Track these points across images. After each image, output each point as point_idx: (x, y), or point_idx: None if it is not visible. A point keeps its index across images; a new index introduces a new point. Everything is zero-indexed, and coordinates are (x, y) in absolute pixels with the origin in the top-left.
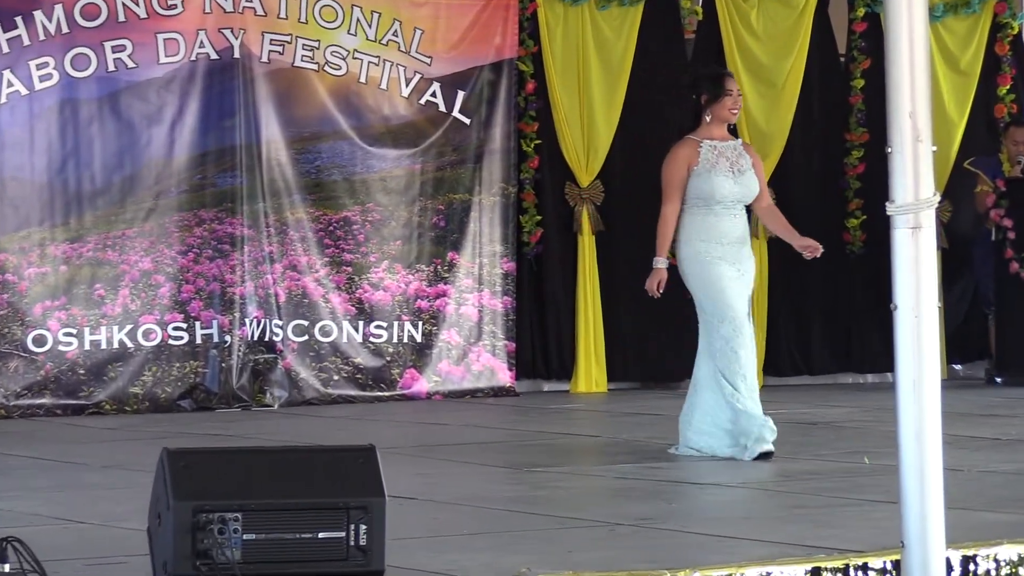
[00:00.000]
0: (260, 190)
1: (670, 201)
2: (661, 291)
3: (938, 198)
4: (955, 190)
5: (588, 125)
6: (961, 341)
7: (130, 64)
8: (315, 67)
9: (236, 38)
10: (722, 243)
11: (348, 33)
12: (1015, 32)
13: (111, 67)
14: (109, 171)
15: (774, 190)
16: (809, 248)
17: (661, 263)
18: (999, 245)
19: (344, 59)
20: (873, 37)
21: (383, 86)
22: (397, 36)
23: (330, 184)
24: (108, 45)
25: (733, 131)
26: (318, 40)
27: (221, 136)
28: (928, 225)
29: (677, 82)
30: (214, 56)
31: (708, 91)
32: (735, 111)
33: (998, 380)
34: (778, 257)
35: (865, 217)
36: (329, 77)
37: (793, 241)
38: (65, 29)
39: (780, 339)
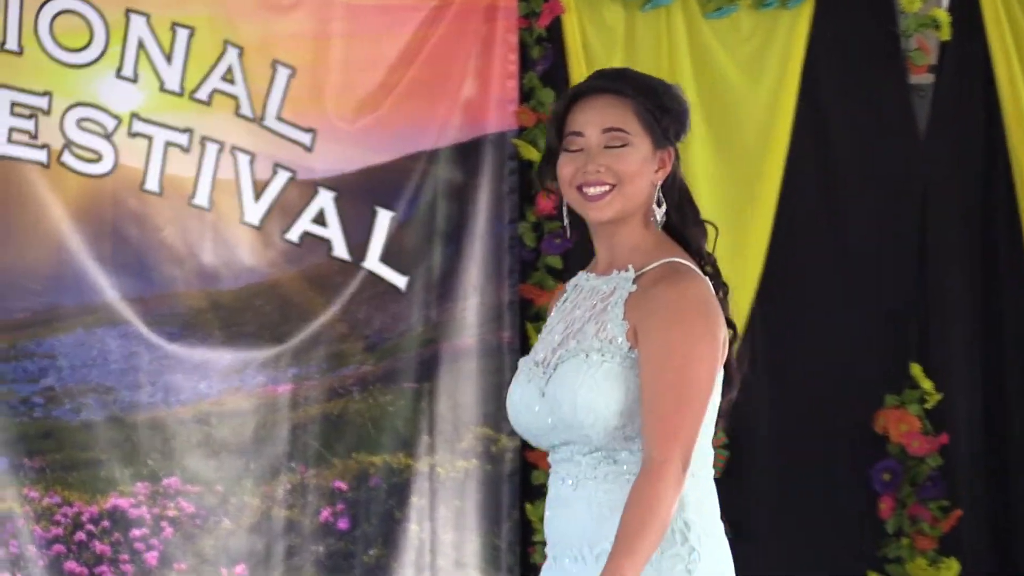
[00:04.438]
0: None
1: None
2: None
3: None
4: None
5: None
6: None
7: None
8: (40, 157)
9: None
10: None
11: (118, 76)
12: None
13: None
14: None
15: None
16: None
17: None
18: None
19: (108, 137)
20: None
21: (200, 201)
22: (234, 83)
23: (75, 432)
24: None
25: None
26: (48, 94)
27: None
28: None
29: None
30: None
31: (548, 147)
32: (592, 189)
33: None
34: None
35: None
36: (73, 180)
37: None
38: None
39: None
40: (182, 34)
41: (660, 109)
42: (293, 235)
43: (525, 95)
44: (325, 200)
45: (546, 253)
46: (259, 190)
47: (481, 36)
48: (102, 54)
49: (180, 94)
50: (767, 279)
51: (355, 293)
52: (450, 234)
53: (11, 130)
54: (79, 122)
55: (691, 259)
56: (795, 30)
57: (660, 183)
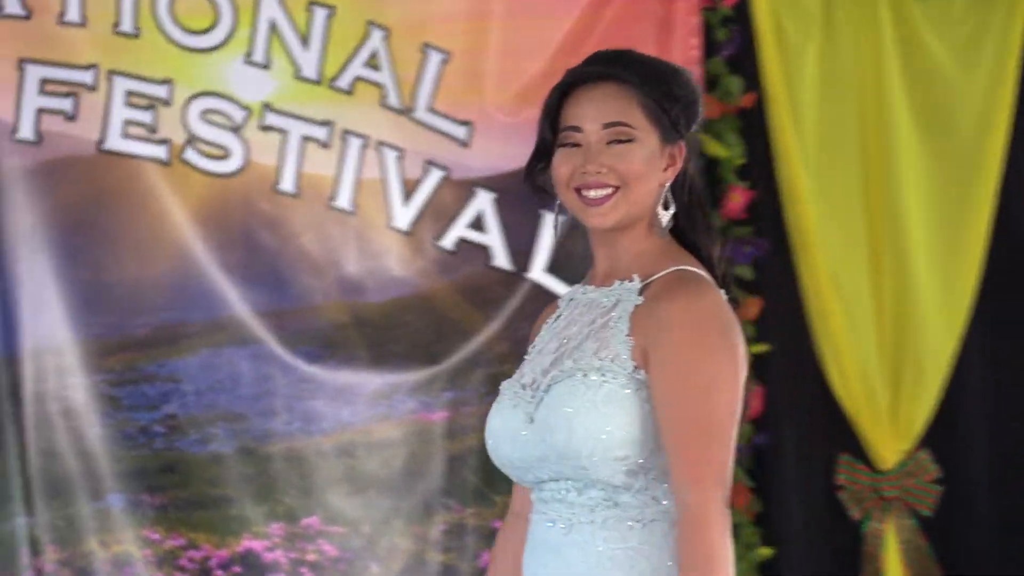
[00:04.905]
0: (24, 487)
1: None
2: None
3: None
4: None
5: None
6: None
7: None
8: (160, 153)
9: None
10: None
11: (247, 61)
12: None
13: None
14: None
15: None
16: None
17: None
18: None
19: (237, 130)
20: None
21: (341, 203)
22: (380, 69)
23: (201, 466)
24: None
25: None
26: (168, 82)
27: None
28: None
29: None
30: None
31: (539, 142)
32: (592, 192)
33: None
34: None
35: None
36: (197, 180)
37: None
38: None
39: None
40: (320, 14)
41: (669, 98)
42: (447, 242)
43: (709, 83)
44: (484, 202)
45: (736, 263)
46: (408, 191)
47: (658, 17)
48: (229, 37)
49: (318, 82)
50: (986, 287)
51: (518, 307)
52: None
53: (127, 123)
54: (204, 114)
55: (701, 267)
56: (1015, 10)
57: (669, 183)
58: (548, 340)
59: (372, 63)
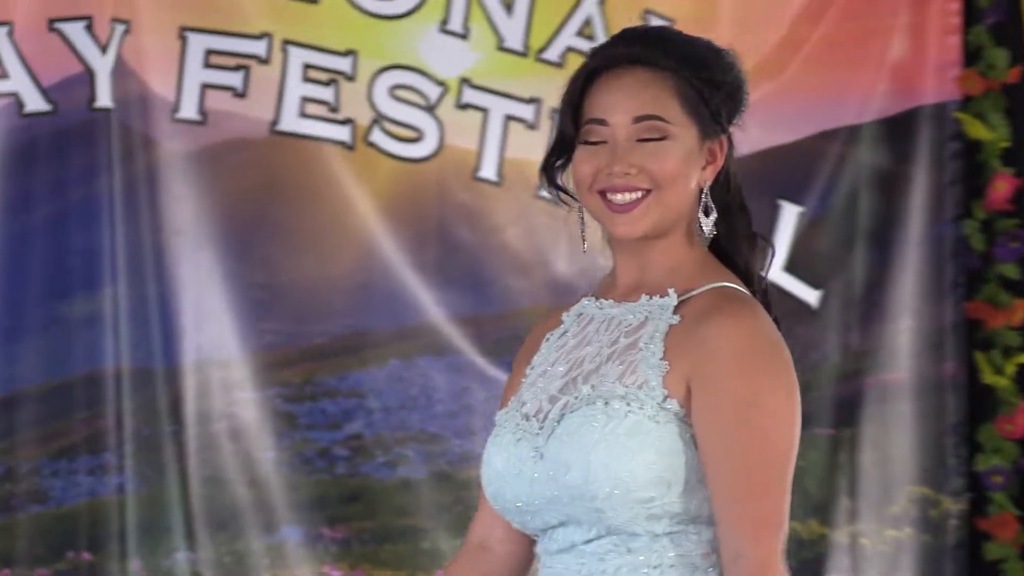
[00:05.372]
0: (185, 519)
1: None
2: None
3: None
4: None
5: None
6: None
7: None
8: (343, 135)
9: (106, 52)
10: None
11: (442, 30)
12: None
13: None
14: None
15: None
16: None
17: None
18: None
19: (431, 109)
20: None
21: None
22: (594, 39)
23: (390, 492)
24: None
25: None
26: (352, 54)
27: (66, 357)
28: None
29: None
30: (38, 106)
31: (558, 135)
32: (620, 196)
33: None
34: None
35: None
36: (385, 165)
37: None
38: None
39: None
40: None
41: (710, 85)
42: None
43: (970, 56)
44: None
45: (999, 260)
46: None
47: None
48: (422, 2)
49: (524, 54)
50: None
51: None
52: (875, 236)
53: (304, 100)
54: (392, 90)
55: (742, 284)
56: None
57: (709, 184)
58: (553, 361)
59: (585, 33)
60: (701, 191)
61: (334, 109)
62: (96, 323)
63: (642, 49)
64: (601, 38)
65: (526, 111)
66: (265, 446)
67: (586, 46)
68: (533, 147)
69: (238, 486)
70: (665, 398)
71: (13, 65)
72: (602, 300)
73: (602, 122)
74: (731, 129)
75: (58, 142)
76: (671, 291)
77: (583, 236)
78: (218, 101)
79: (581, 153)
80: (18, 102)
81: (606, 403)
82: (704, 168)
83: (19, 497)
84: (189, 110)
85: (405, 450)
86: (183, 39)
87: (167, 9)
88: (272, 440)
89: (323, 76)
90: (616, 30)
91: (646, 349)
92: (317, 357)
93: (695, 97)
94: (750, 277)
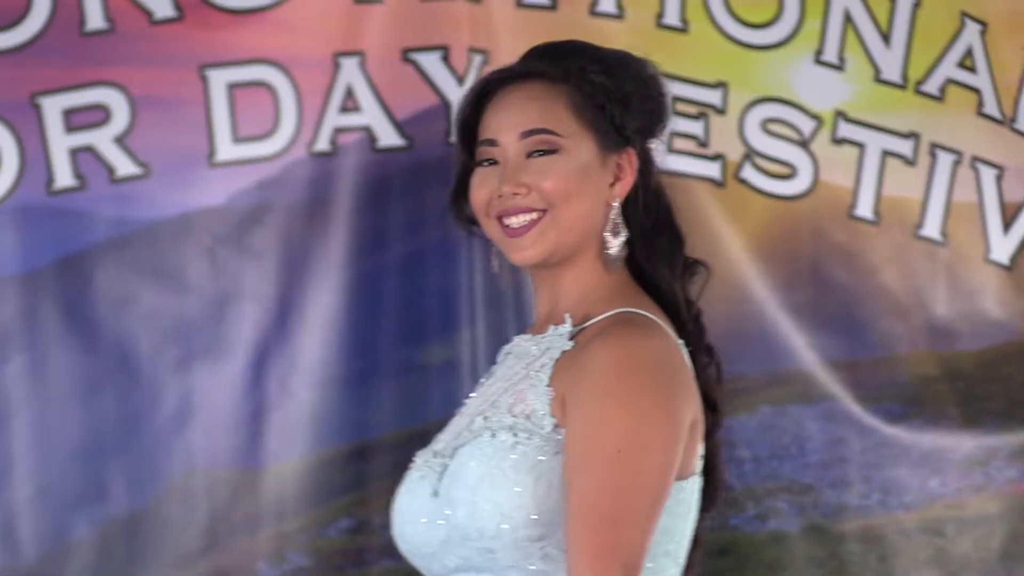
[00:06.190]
0: None
1: None
2: None
3: None
4: None
5: None
6: None
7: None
8: (712, 171)
9: (463, 83)
10: None
11: (817, 61)
12: None
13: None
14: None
15: None
16: None
17: None
18: None
19: (804, 144)
20: None
21: (929, 231)
22: (976, 71)
23: (761, 546)
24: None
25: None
26: (722, 86)
27: (421, 404)
28: None
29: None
30: (392, 141)
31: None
32: (515, 220)
33: None
34: None
35: None
36: (757, 203)
37: None
38: None
39: None
40: (904, 4)
41: (608, 94)
42: None
43: None
44: None
45: None
46: (1009, 217)
47: None
48: (795, 31)
49: (902, 86)
50: None
51: None
52: None
53: (672, 134)
54: (764, 124)
55: (659, 312)
56: None
57: (619, 201)
58: (476, 399)
59: (966, 64)
60: (610, 209)
61: (703, 144)
62: (453, 369)
63: (536, 62)
64: (983, 70)
65: (904, 146)
66: None
67: (967, 78)
68: (911, 184)
69: None
70: (555, 427)
71: (366, 97)
72: (523, 336)
73: (492, 142)
74: (651, 144)
75: (413, 178)
76: (567, 317)
77: (495, 270)
78: None
79: (475, 178)
80: (371, 136)
81: (493, 435)
82: (612, 185)
83: (372, 551)
84: None
85: (777, 502)
86: None
87: (527, 38)
88: None
89: (692, 109)
90: (998, 61)
91: (535, 377)
92: None
93: (592, 108)
94: (675, 304)
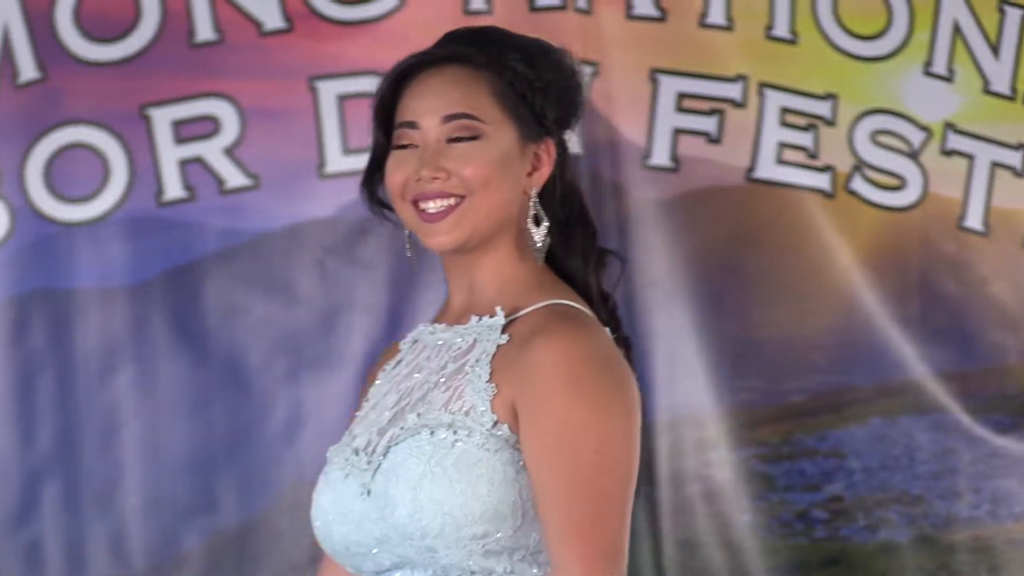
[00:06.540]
0: None
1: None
2: None
3: None
4: None
5: None
6: None
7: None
8: (822, 183)
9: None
10: None
11: (926, 73)
12: None
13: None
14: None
15: None
16: None
17: None
18: None
19: (914, 156)
20: None
21: None
22: None
23: (871, 557)
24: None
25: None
26: (832, 98)
27: None
28: None
29: None
30: None
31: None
32: (432, 204)
33: None
34: None
35: None
36: (866, 214)
37: None
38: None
39: None
40: (1013, 16)
41: (531, 83)
42: None
43: None
44: None
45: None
46: None
47: None
48: (904, 43)
49: (1011, 98)
50: None
51: None
52: None
53: (782, 146)
54: (874, 135)
55: (583, 302)
56: None
57: (536, 191)
58: (386, 392)
59: None
60: (528, 198)
61: (813, 155)
62: None
63: (457, 46)
64: None
65: (1014, 158)
66: (741, 508)
67: None
68: (1020, 195)
69: (712, 549)
70: (495, 423)
71: None
72: (436, 325)
73: (412, 125)
74: (566, 135)
75: None
76: (498, 310)
77: (408, 254)
78: (691, 147)
79: (391, 160)
80: None
81: (432, 433)
82: (530, 174)
83: None
84: (661, 156)
85: (886, 512)
86: (654, 81)
87: (638, 50)
88: (749, 502)
89: (801, 121)
90: None
91: (472, 372)
92: (795, 416)
93: (513, 96)
94: (590, 295)
